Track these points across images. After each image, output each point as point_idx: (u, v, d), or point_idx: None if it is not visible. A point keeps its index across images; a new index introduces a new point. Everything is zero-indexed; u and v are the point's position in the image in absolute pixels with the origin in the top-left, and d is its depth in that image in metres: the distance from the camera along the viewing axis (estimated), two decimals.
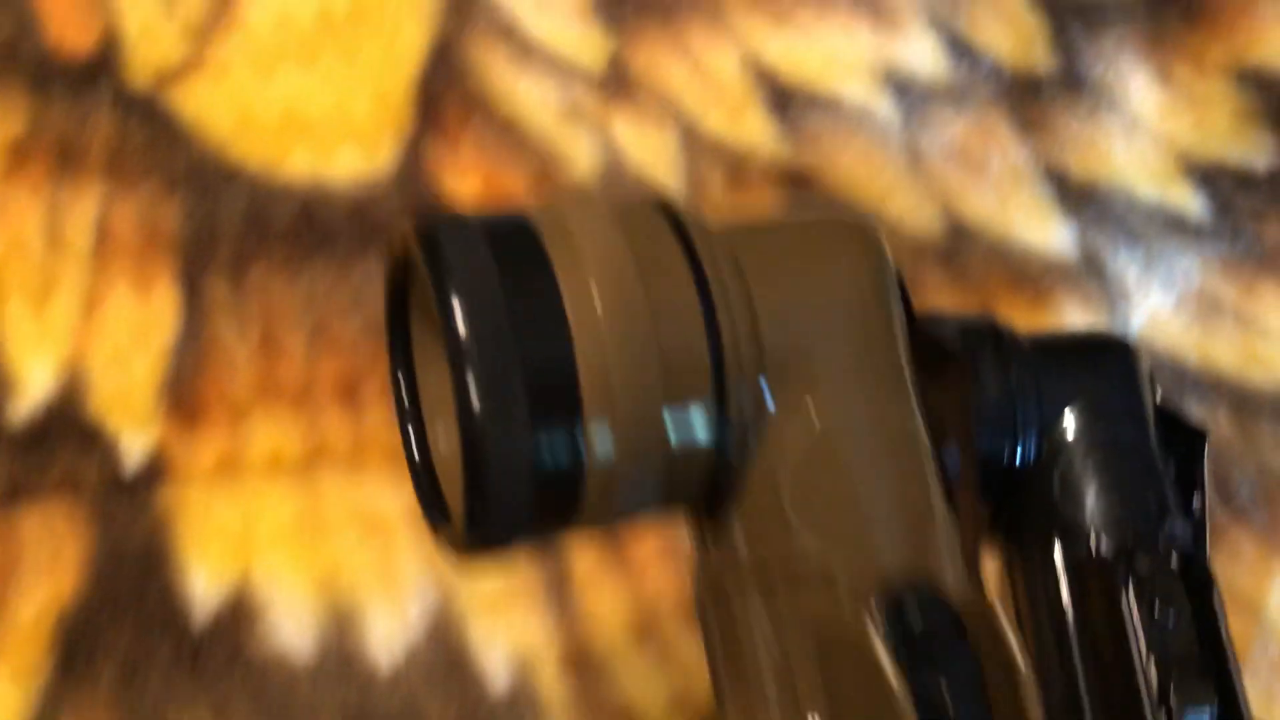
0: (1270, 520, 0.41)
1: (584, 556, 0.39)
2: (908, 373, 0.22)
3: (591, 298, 0.19)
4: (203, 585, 0.39)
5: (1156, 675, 0.32)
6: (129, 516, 0.40)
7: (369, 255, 0.44)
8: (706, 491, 0.21)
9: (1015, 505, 0.37)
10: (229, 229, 0.44)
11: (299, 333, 0.43)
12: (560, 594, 0.39)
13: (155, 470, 0.41)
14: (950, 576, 0.21)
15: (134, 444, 0.41)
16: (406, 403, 0.22)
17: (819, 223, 0.23)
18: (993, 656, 0.20)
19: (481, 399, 0.19)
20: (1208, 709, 0.31)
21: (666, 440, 0.20)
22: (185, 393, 0.42)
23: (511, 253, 0.20)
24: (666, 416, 0.20)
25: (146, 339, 0.42)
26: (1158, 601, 0.33)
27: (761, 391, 0.21)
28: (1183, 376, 0.43)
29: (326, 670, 0.37)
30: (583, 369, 0.19)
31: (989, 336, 0.37)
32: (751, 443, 0.21)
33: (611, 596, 0.38)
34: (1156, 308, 0.45)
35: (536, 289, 0.19)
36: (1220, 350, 0.44)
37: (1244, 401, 0.43)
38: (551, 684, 0.37)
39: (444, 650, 0.38)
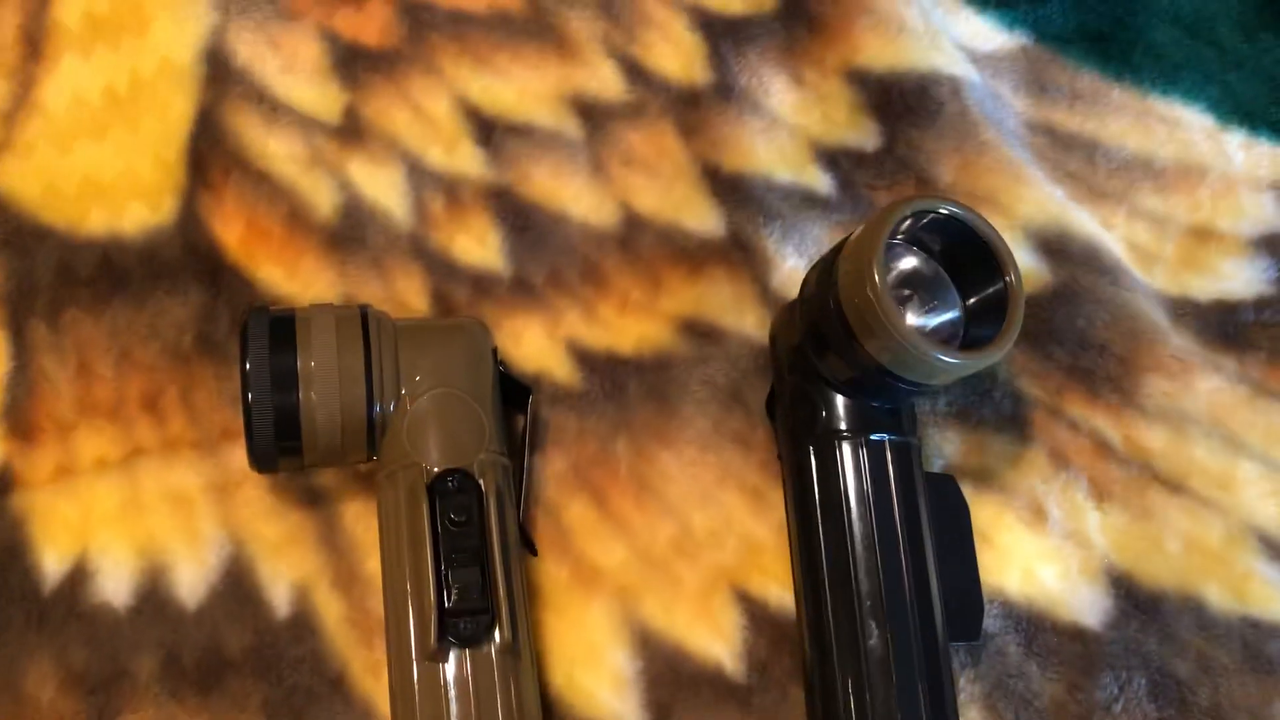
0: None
1: (351, 505, 0.51)
2: (490, 391, 0.48)
3: (310, 357, 0.44)
4: (52, 565, 0.49)
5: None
6: None
7: (159, 291, 0.54)
8: (369, 442, 0.46)
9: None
10: (44, 280, 0.54)
11: (108, 360, 0.53)
12: (331, 534, 0.50)
13: (5, 483, 0.51)
14: (475, 461, 0.45)
15: None
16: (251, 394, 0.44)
17: (449, 323, 0.50)
18: (492, 494, 0.45)
19: (254, 392, 0.44)
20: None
21: (340, 416, 0.44)
22: (21, 418, 0.52)
23: (279, 334, 0.44)
24: (339, 406, 0.44)
25: None
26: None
27: (400, 394, 0.46)
28: None
29: (145, 614, 0.48)
30: (302, 385, 0.44)
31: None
32: (391, 414, 0.45)
33: (372, 531, 0.50)
34: (792, 269, 0.57)
35: (286, 356, 0.44)
36: None
37: None
38: (326, 603, 0.49)
39: (238, 589, 0.49)
